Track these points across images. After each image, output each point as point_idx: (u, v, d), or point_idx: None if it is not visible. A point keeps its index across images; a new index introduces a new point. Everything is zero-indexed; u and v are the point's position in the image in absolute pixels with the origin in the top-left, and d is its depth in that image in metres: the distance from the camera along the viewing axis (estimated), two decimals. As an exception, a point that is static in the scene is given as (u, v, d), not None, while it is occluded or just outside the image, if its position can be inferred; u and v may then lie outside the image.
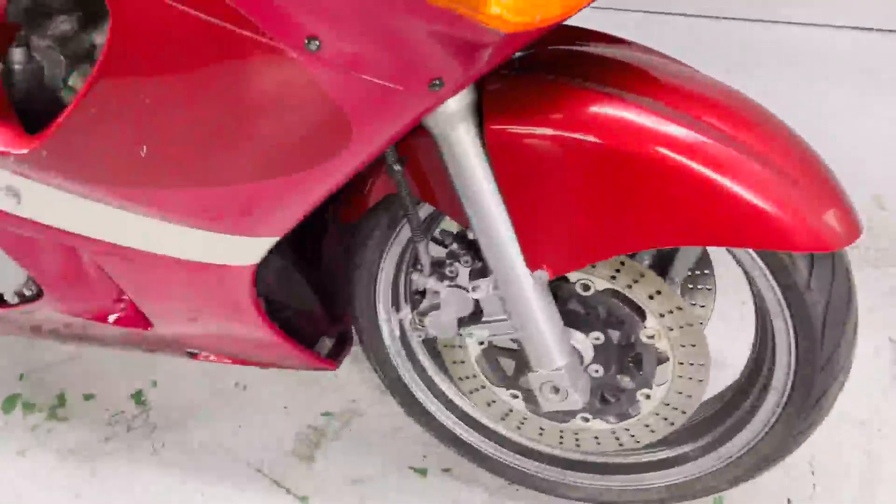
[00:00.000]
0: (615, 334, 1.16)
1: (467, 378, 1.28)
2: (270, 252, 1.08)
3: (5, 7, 0.93)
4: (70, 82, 1.02)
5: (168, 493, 1.46)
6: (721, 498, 1.41)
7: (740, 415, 1.23)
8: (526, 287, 1.07)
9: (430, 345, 1.37)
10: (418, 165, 1.10)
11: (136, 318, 1.20)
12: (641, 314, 1.13)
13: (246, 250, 1.04)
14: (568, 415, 1.24)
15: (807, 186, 0.99)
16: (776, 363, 1.13)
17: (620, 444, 1.26)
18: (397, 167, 1.06)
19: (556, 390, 1.14)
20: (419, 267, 1.16)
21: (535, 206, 1.01)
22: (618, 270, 1.10)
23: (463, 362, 1.27)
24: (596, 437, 1.26)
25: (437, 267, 1.15)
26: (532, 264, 1.05)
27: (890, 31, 1.74)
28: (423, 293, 1.20)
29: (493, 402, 1.29)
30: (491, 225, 1.03)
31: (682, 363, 1.14)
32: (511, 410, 1.29)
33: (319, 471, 1.50)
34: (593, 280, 1.12)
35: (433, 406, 1.38)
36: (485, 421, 1.38)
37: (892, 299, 1.78)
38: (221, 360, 1.35)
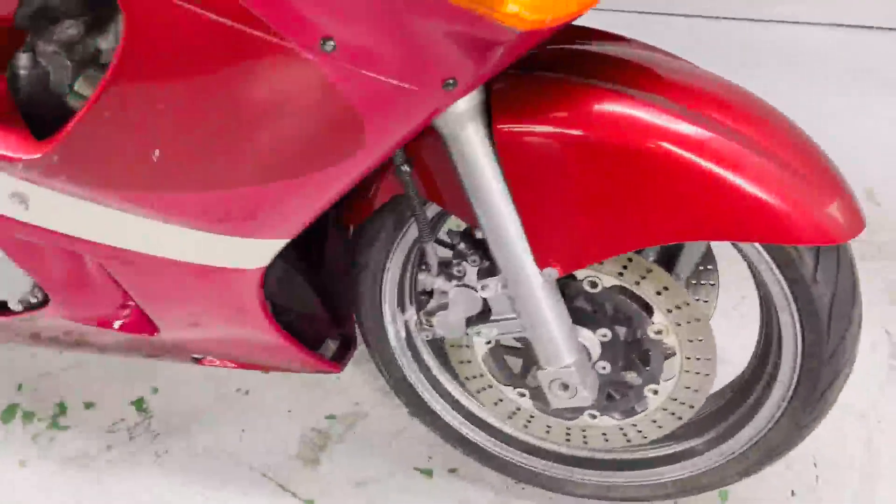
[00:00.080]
0: (622, 331, 1.16)
1: (474, 377, 1.29)
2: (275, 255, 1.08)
3: (14, 13, 0.92)
4: (76, 87, 1.01)
5: (172, 499, 1.46)
6: (726, 492, 1.42)
7: (746, 409, 1.24)
8: (535, 285, 1.07)
9: (435, 345, 1.37)
10: (424, 165, 1.10)
11: (142, 324, 1.20)
12: (649, 310, 1.14)
13: (256, 253, 1.04)
14: (576, 412, 1.25)
15: (811, 179, 1.00)
16: (782, 356, 1.14)
17: (628, 441, 1.27)
18: (405, 168, 1.06)
19: (566, 387, 1.14)
20: (426, 267, 1.16)
21: (544, 204, 1.02)
22: (625, 267, 1.11)
23: (469, 362, 1.27)
24: (603, 434, 1.27)
25: (445, 267, 1.15)
26: (541, 262, 1.06)
27: (890, 29, 1.76)
28: (429, 293, 1.20)
29: (500, 400, 1.30)
30: (500, 224, 1.04)
31: (689, 358, 1.15)
32: (518, 409, 1.30)
33: (324, 474, 1.49)
34: (601, 277, 1.12)
35: (438, 405, 1.39)
36: (491, 420, 1.38)
37: (889, 294, 1.80)
38: (226, 364, 1.35)
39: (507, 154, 1.00)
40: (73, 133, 0.92)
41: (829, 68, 1.83)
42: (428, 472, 1.48)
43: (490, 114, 1.00)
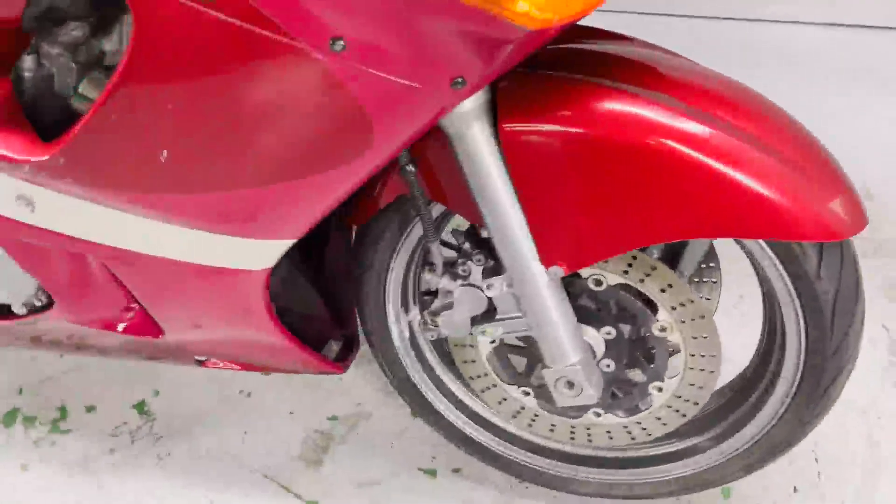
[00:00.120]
0: (626, 328, 1.17)
1: (478, 377, 1.29)
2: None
3: (20, 15, 0.92)
4: (80, 89, 1.01)
5: (175, 502, 1.45)
6: (729, 489, 1.43)
7: (749, 406, 1.25)
8: (541, 284, 1.08)
9: (438, 345, 1.38)
10: (429, 165, 1.10)
11: (147, 326, 1.20)
12: (653, 308, 1.14)
13: (263, 254, 1.04)
14: (580, 410, 1.25)
15: (814, 176, 1.01)
16: (786, 353, 1.15)
17: (633, 438, 1.27)
18: (410, 168, 1.06)
19: (571, 385, 1.15)
20: (432, 267, 1.17)
21: (550, 202, 1.02)
22: (630, 265, 1.12)
23: (474, 361, 1.27)
24: (608, 432, 1.28)
25: (450, 266, 1.16)
26: (547, 261, 1.06)
27: (890, 28, 1.78)
28: (433, 293, 1.20)
29: (505, 399, 1.30)
30: (506, 223, 1.04)
31: (693, 355, 1.16)
32: (522, 408, 1.30)
33: (328, 475, 1.49)
34: (605, 275, 1.13)
35: (442, 405, 1.39)
36: (495, 419, 1.38)
37: (886, 290, 1.81)
38: (229, 366, 1.35)
39: (513, 153, 1.00)
40: (80, 134, 0.92)
41: (829, 68, 1.84)
42: (431, 473, 1.49)
43: (495, 113, 1.00)
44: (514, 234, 1.05)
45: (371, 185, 1.18)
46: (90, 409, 1.62)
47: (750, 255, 1.11)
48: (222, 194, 0.95)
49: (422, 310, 1.24)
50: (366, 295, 1.30)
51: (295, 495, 1.46)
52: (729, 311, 1.64)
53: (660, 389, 1.20)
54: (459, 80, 0.84)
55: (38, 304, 1.18)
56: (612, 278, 1.13)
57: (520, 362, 1.29)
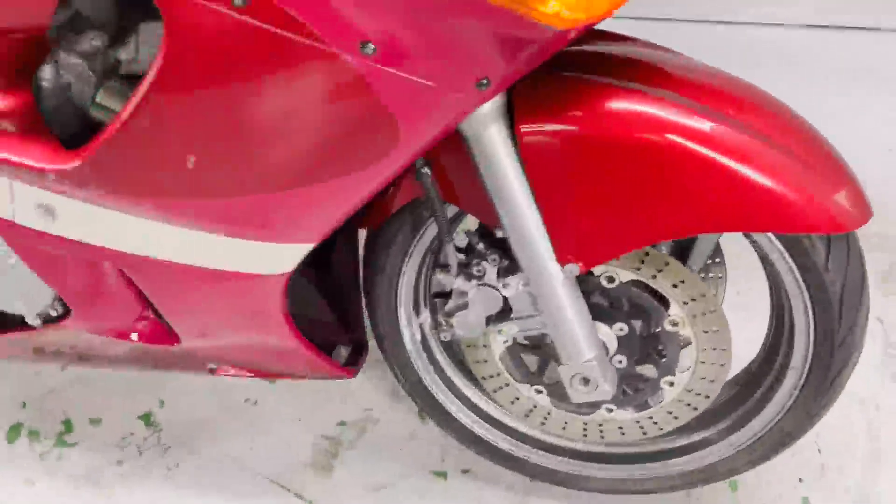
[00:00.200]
0: (638, 324, 1.19)
1: (491, 377, 1.30)
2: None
3: (45, 25, 0.93)
4: (98, 99, 1.02)
5: (188, 512, 1.46)
6: (736, 482, 1.45)
7: (757, 399, 1.27)
8: (557, 282, 1.09)
9: (448, 347, 1.39)
10: (441, 167, 1.12)
11: (164, 334, 1.20)
12: (664, 303, 1.16)
13: (285, 258, 1.04)
14: (593, 406, 1.27)
15: (819, 169, 1.04)
16: (794, 345, 1.18)
17: (644, 433, 1.29)
18: (425, 170, 1.08)
19: (586, 382, 1.16)
20: (445, 268, 1.18)
21: (565, 201, 1.04)
22: (642, 261, 1.14)
23: (486, 361, 1.29)
24: (620, 427, 1.29)
25: (464, 267, 1.17)
26: (562, 259, 1.08)
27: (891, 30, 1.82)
28: (444, 295, 1.22)
29: (517, 399, 1.32)
30: (523, 223, 1.06)
31: (705, 349, 1.18)
32: (535, 406, 1.31)
33: (339, 480, 1.50)
34: (618, 272, 1.15)
35: (454, 407, 1.40)
36: (507, 419, 1.40)
37: (880, 282, 1.85)
38: (240, 373, 1.35)
39: (530, 153, 1.02)
40: (109, 141, 0.92)
41: (829, 68, 1.89)
42: (442, 475, 1.50)
43: (511, 114, 1.02)
44: (530, 234, 1.07)
45: (384, 189, 1.19)
46: (95, 421, 1.61)
47: (758, 247, 1.13)
48: (249, 199, 0.96)
49: (432, 312, 1.25)
50: (377, 298, 1.31)
51: (308, 502, 1.46)
52: (734, 307, 1.66)
53: (671, 384, 1.22)
54: (484, 81, 0.86)
55: (54, 314, 1.18)
56: (625, 275, 1.15)
57: (532, 361, 1.31)
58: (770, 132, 1.04)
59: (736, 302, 1.70)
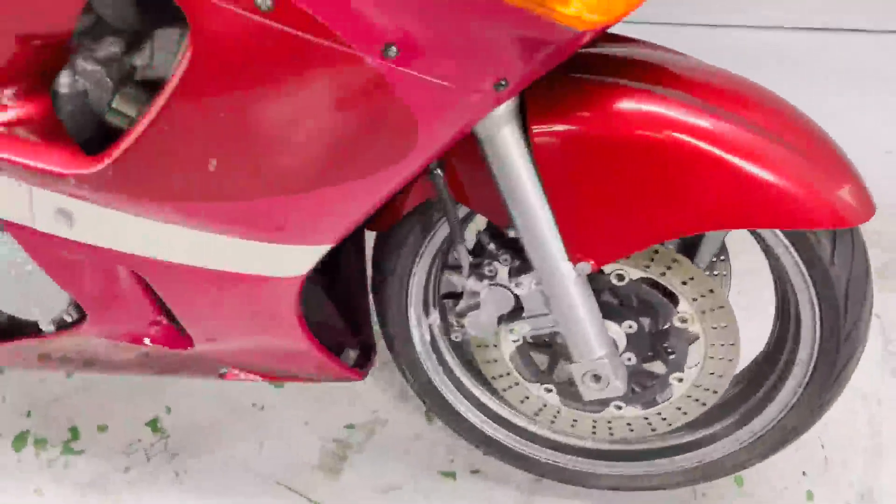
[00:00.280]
0: (647, 322, 1.21)
1: (501, 376, 1.32)
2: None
3: (64, 32, 0.93)
4: (114, 105, 1.02)
5: (198, 517, 1.46)
6: (742, 477, 1.47)
7: (763, 394, 1.29)
8: (569, 281, 1.11)
9: (457, 347, 1.40)
10: (452, 168, 1.13)
11: (177, 338, 1.20)
12: (673, 300, 1.18)
13: (302, 260, 1.06)
14: (603, 404, 1.29)
15: (823, 165, 1.06)
16: (800, 339, 1.20)
17: (653, 429, 1.30)
18: (438, 171, 1.09)
19: (598, 379, 1.18)
20: (457, 269, 1.19)
21: (578, 201, 1.06)
22: (651, 259, 1.16)
23: (496, 360, 1.30)
24: (629, 424, 1.31)
25: (475, 267, 1.19)
26: (574, 258, 1.09)
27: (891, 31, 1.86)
28: (454, 295, 1.23)
29: (527, 398, 1.33)
30: (535, 223, 1.07)
31: (713, 344, 1.20)
32: (545, 405, 1.33)
33: (348, 483, 1.51)
34: (627, 270, 1.17)
35: (462, 407, 1.41)
36: (516, 418, 1.41)
37: (877, 279, 1.87)
38: (250, 377, 1.36)
39: (543, 154, 1.04)
40: (132, 146, 0.93)
41: (829, 69, 1.92)
42: (451, 475, 1.51)
43: (524, 115, 1.04)
44: (543, 234, 1.08)
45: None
46: (102, 428, 1.61)
47: (764, 243, 1.15)
48: (269, 201, 0.97)
49: (441, 312, 1.26)
50: (387, 300, 1.33)
51: (316, 504, 1.47)
52: (736, 304, 1.68)
53: (680, 380, 1.24)
54: (503, 82, 0.88)
55: (69, 319, 1.18)
56: (634, 273, 1.17)
57: (541, 360, 1.32)
58: (775, 129, 1.06)
59: (737, 301, 1.73)
